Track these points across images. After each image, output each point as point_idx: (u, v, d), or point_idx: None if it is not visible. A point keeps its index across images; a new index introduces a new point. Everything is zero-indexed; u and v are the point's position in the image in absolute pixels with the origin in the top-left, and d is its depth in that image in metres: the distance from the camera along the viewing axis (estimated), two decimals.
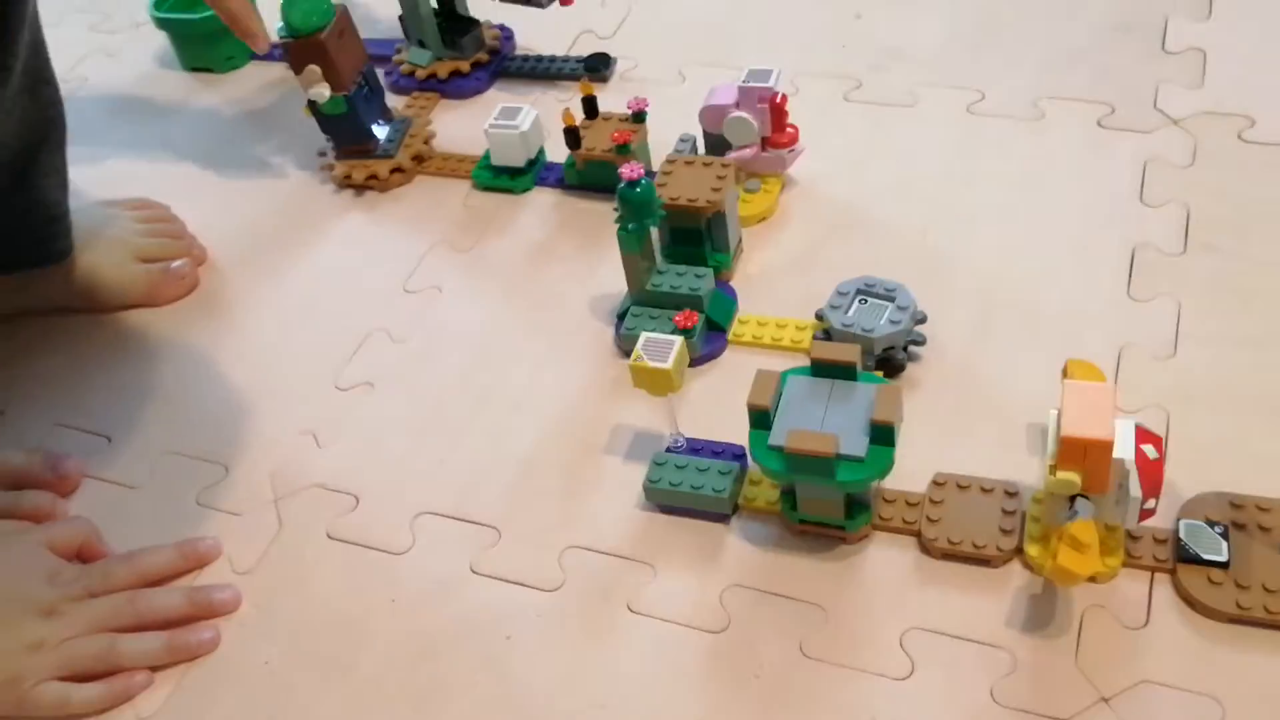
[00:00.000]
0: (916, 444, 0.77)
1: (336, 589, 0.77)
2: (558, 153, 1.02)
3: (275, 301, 0.98)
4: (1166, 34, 1.05)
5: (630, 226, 0.83)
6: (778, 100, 0.92)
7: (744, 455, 0.77)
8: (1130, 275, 0.86)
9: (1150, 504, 0.66)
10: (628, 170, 0.80)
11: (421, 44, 1.13)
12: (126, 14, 1.33)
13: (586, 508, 0.79)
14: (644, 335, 0.75)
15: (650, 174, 0.90)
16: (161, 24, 1.19)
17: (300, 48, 0.97)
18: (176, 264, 1.00)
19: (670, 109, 1.02)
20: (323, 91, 0.98)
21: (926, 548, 0.72)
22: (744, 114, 0.92)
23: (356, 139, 1.04)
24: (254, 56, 1.23)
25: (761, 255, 0.93)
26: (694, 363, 0.85)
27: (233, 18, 0.94)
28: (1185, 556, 0.69)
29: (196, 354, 0.95)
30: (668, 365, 0.73)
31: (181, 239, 1.02)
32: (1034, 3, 1.12)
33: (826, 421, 0.70)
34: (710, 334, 0.86)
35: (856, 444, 0.69)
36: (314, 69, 0.98)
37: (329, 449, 0.86)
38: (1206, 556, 0.68)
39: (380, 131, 1.05)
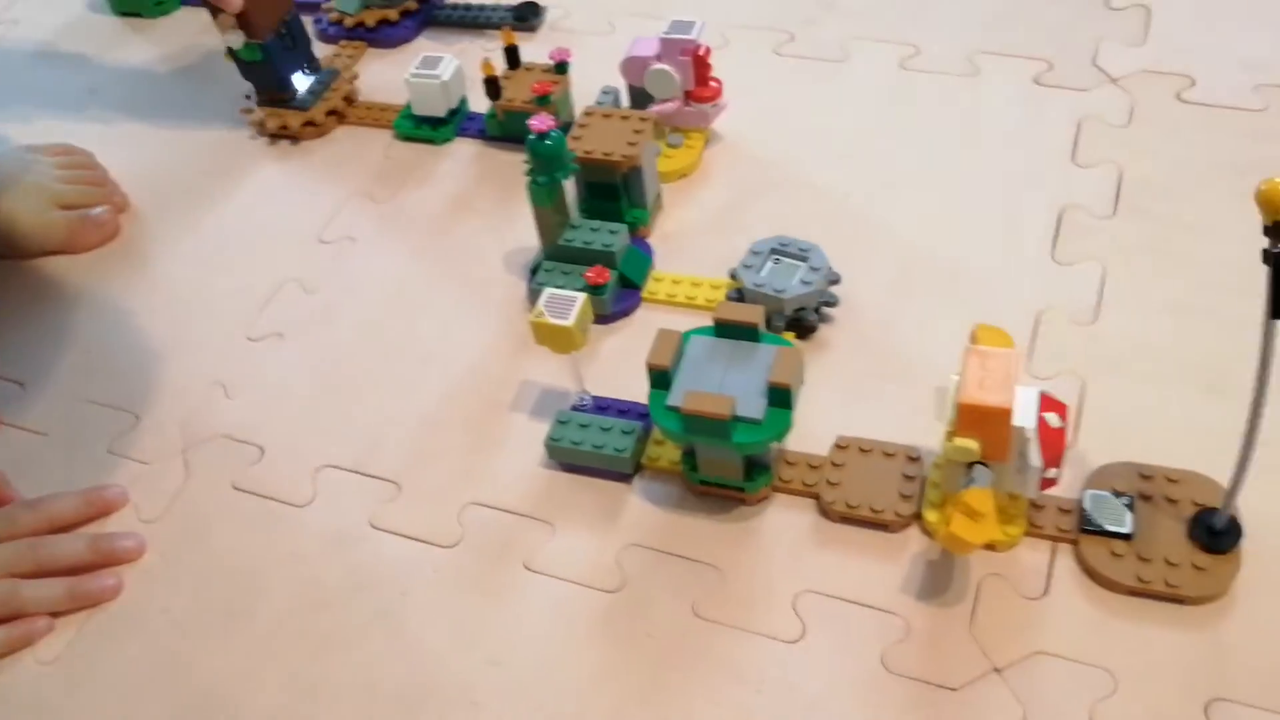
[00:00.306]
0: (823, 406, 0.76)
1: (239, 540, 0.76)
2: (482, 103, 0.99)
3: (193, 250, 0.96)
4: None
5: (540, 179, 0.81)
6: (700, 53, 0.90)
7: (648, 416, 0.76)
8: (1056, 238, 0.84)
9: (1051, 473, 0.64)
10: (537, 122, 0.78)
11: None
12: None
13: (489, 465, 0.77)
14: (547, 291, 0.73)
15: (569, 126, 0.88)
16: None
17: None
18: (96, 211, 0.98)
19: (598, 60, 0.99)
20: (236, 38, 0.96)
21: (825, 511, 0.71)
22: (665, 66, 0.90)
23: (275, 87, 1.02)
24: (187, 1, 1.20)
25: (681, 212, 0.91)
26: (606, 320, 0.84)
27: None
28: (1088, 527, 0.67)
29: (113, 302, 0.93)
30: (569, 322, 0.71)
31: (103, 186, 1.00)
32: None
33: (726, 383, 0.69)
34: (623, 291, 0.85)
35: (754, 406, 0.67)
36: (228, 15, 0.95)
37: (237, 399, 0.84)
38: (1109, 528, 0.67)
39: (303, 81, 1.03)
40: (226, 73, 1.08)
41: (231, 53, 0.99)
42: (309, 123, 1.02)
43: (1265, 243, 0.54)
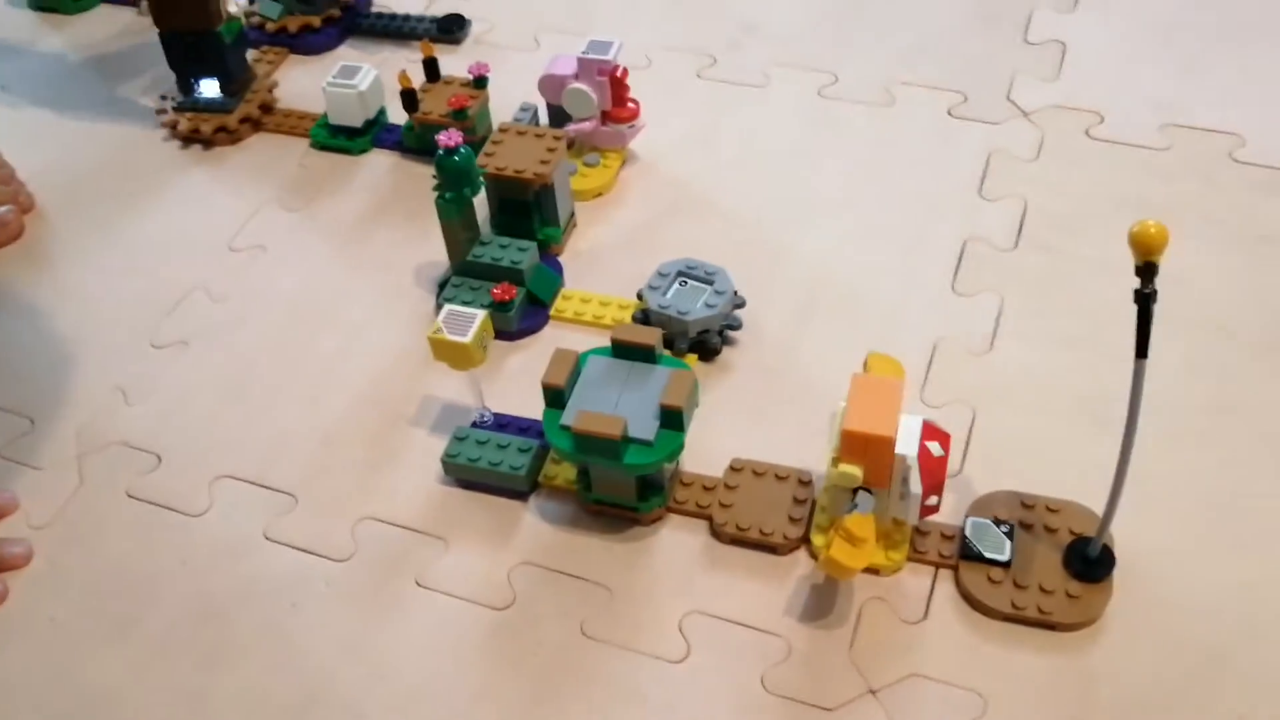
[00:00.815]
0: (721, 428, 0.77)
1: (130, 548, 0.76)
2: (401, 115, 0.99)
3: (99, 254, 0.95)
4: (1030, 25, 1.05)
5: (448, 195, 0.81)
6: (618, 73, 0.91)
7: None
8: (958, 269, 0.85)
9: (933, 500, 0.66)
10: (444, 137, 0.79)
11: None
12: None
13: (386, 480, 0.77)
14: (447, 307, 0.73)
15: (485, 139, 0.89)
16: None
17: None
18: (1, 210, 0.96)
19: (520, 76, 1.00)
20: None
21: (717, 532, 0.72)
22: (582, 86, 0.91)
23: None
24: None
25: (594, 231, 0.92)
26: (512, 337, 0.84)
27: None
28: (968, 554, 0.69)
29: (14, 304, 0.92)
30: (466, 339, 0.72)
31: (8, 185, 0.99)
32: None
33: (620, 404, 0.69)
34: (531, 309, 0.85)
35: (646, 427, 0.68)
36: None
37: (137, 407, 0.84)
38: (989, 555, 0.68)
39: (209, 88, 1.02)
40: (142, 73, 1.08)
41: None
42: (221, 128, 1.02)
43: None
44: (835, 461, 0.65)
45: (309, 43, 1.10)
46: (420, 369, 0.83)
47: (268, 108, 1.04)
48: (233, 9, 0.98)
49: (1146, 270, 0.55)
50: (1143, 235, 0.54)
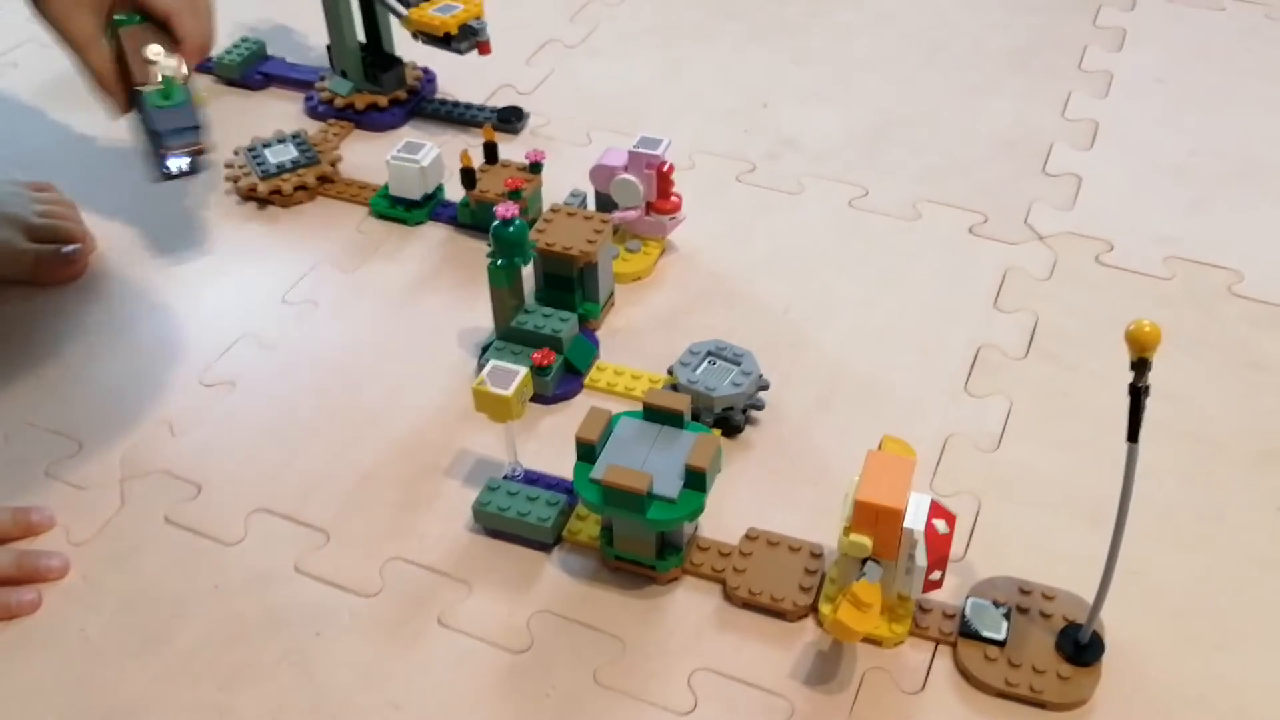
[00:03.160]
0: (739, 500, 0.81)
1: (164, 570, 0.79)
2: (457, 193, 1.06)
3: (156, 296, 1.00)
4: (1049, 158, 1.12)
5: (500, 262, 0.86)
6: (664, 169, 0.97)
7: (573, 491, 0.80)
8: (970, 372, 0.90)
9: (936, 575, 0.70)
10: (502, 209, 0.85)
11: (344, 75, 1.17)
12: None
13: (417, 523, 0.81)
14: (491, 363, 0.78)
15: (534, 220, 0.95)
16: None
17: None
18: (69, 248, 1.02)
19: (572, 167, 1.06)
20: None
21: (729, 595, 0.75)
22: (630, 177, 0.97)
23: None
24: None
25: (631, 311, 0.97)
26: (548, 401, 0.89)
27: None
28: (967, 632, 0.72)
29: (72, 335, 0.97)
30: (508, 392, 0.76)
31: (77, 225, 1.04)
32: (931, 113, 1.18)
33: (648, 462, 0.73)
34: (567, 376, 0.90)
35: (670, 486, 0.72)
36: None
37: (182, 439, 0.88)
38: (985, 634, 0.72)
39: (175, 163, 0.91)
40: (214, 134, 1.14)
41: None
42: (276, 190, 1.07)
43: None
44: (847, 531, 0.69)
45: (374, 120, 1.17)
46: (457, 423, 0.87)
47: (327, 179, 1.10)
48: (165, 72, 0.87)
49: (1140, 365, 0.60)
50: (1138, 333, 0.59)
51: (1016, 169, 1.11)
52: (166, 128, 0.87)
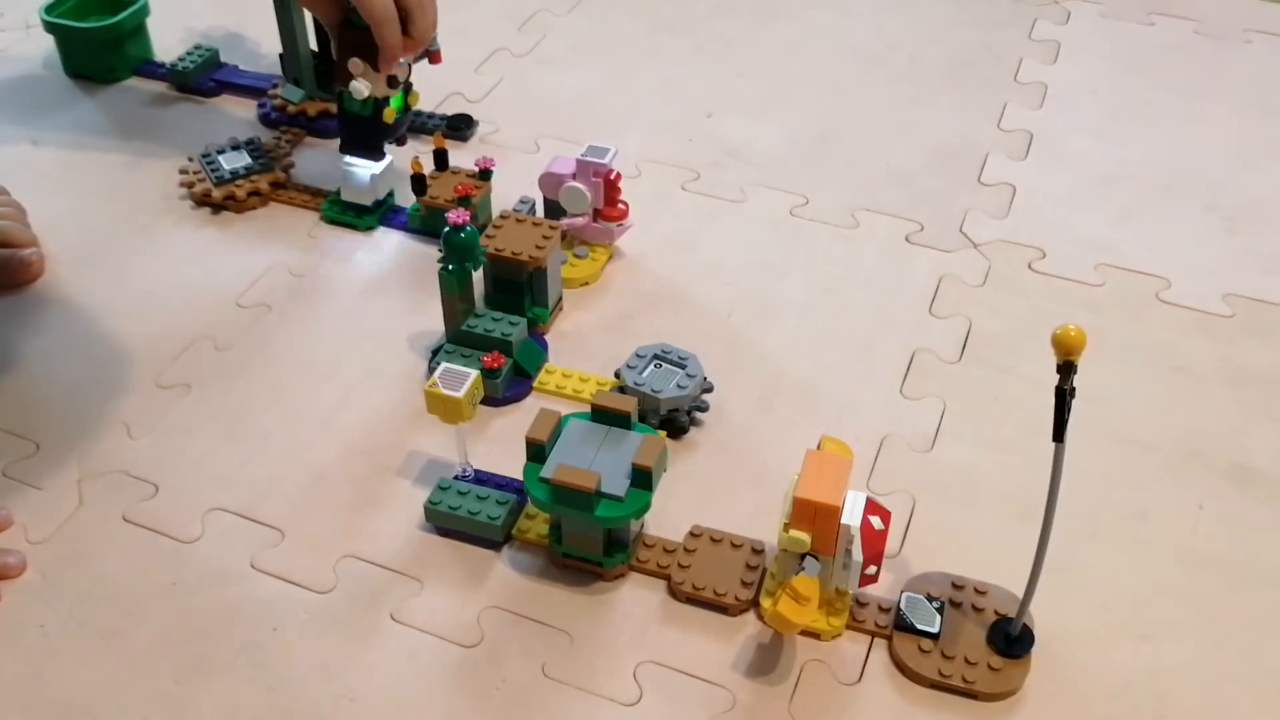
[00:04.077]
0: (683, 498, 0.84)
1: (122, 567, 0.80)
2: (408, 199, 1.08)
3: (112, 300, 1.01)
4: (984, 168, 1.15)
5: (451, 267, 0.89)
6: (611, 176, 0.99)
7: (523, 490, 0.82)
8: (906, 375, 0.93)
9: (871, 570, 0.73)
10: (454, 215, 0.87)
11: (297, 82, 1.19)
12: (20, 14, 1.37)
13: (369, 522, 0.83)
14: (443, 365, 0.80)
15: (484, 225, 0.97)
16: (50, 28, 1.23)
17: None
18: (25, 252, 1.02)
19: (521, 174, 1.08)
20: (363, 86, 0.98)
21: (674, 590, 0.78)
22: (579, 185, 0.99)
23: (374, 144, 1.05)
24: (139, 71, 1.27)
25: (579, 315, 0.99)
26: (497, 403, 0.91)
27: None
28: (902, 625, 0.75)
29: (28, 339, 0.97)
30: (460, 394, 0.78)
31: (28, 230, 1.05)
32: (871, 125, 1.22)
33: (596, 462, 0.76)
34: (517, 379, 0.92)
35: (618, 484, 0.74)
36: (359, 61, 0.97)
37: (139, 440, 0.89)
38: (920, 626, 0.75)
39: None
40: (165, 139, 1.16)
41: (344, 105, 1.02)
42: (230, 196, 1.09)
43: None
44: (786, 527, 0.72)
45: (325, 126, 1.18)
46: (409, 425, 0.89)
47: (280, 185, 1.11)
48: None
49: (1066, 368, 0.63)
50: (1064, 337, 0.62)
51: (952, 179, 1.14)
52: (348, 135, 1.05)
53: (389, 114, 1.02)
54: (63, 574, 0.80)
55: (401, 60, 0.99)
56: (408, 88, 1.03)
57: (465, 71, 1.28)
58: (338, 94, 1.01)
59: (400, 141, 1.07)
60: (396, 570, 0.80)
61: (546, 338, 0.97)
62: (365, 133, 1.04)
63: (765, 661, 0.75)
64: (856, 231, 1.08)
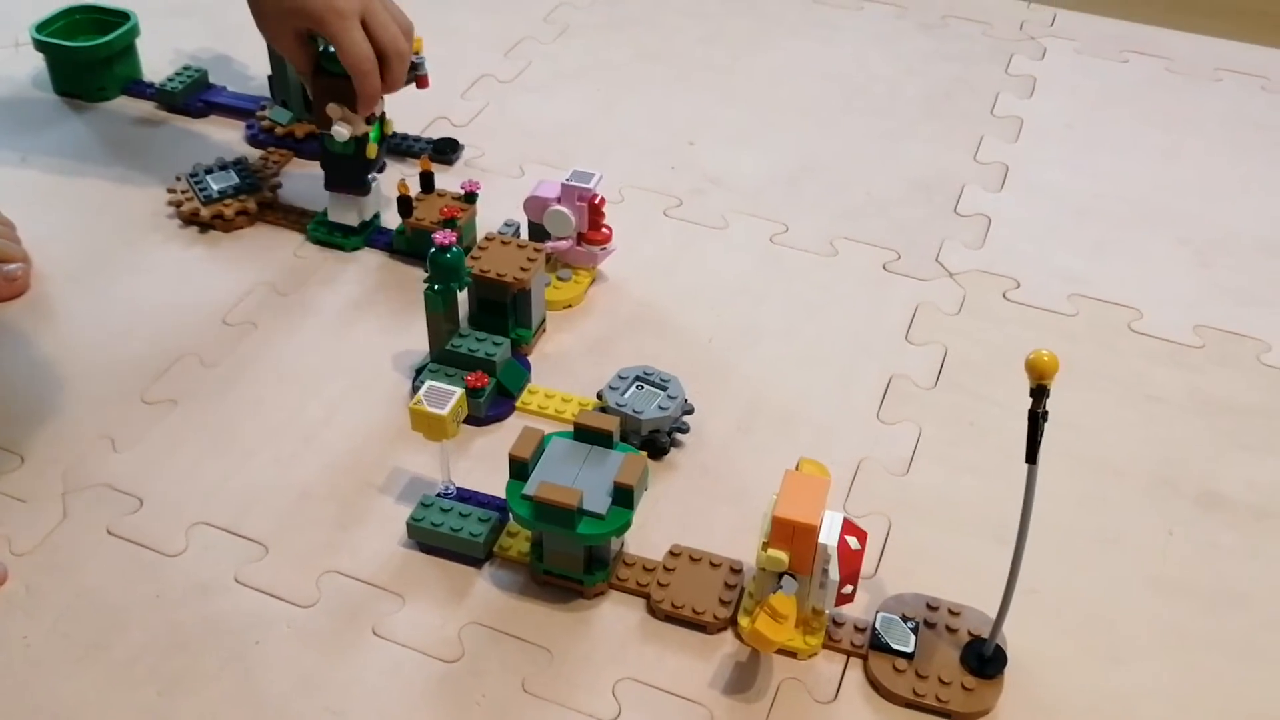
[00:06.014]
0: (664, 518, 0.85)
1: (106, 580, 0.81)
2: (394, 221, 1.09)
3: (98, 317, 1.02)
4: (961, 199, 1.18)
5: (436, 287, 0.90)
6: (595, 201, 1.01)
7: (505, 508, 0.83)
8: (883, 400, 0.95)
9: (848, 589, 0.74)
10: (440, 236, 0.88)
11: (285, 104, 1.20)
12: (10, 33, 1.38)
13: (352, 538, 0.84)
14: (428, 383, 0.81)
15: (470, 248, 0.98)
16: (40, 46, 1.24)
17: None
18: (11, 267, 1.03)
19: (505, 198, 1.10)
20: (344, 129, 1.00)
21: (653, 609, 0.79)
22: (563, 208, 1.01)
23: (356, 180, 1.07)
24: (127, 90, 1.28)
25: (562, 337, 1.01)
26: (480, 422, 0.92)
27: None
28: (877, 645, 0.76)
29: (14, 353, 0.98)
30: (444, 412, 0.79)
31: (17, 244, 1.05)
32: (850, 155, 1.24)
33: (578, 480, 0.77)
34: (499, 399, 0.93)
35: (599, 502, 0.76)
36: (337, 106, 1.00)
37: (124, 454, 0.90)
38: (895, 646, 0.76)
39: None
40: (153, 157, 1.17)
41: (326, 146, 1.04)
42: (218, 215, 1.10)
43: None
44: (765, 546, 0.73)
45: (312, 148, 1.19)
46: (392, 443, 0.90)
47: (267, 205, 1.12)
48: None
49: (1039, 392, 0.65)
50: (1037, 361, 0.64)
51: (929, 209, 1.17)
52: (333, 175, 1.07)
53: (371, 150, 1.04)
54: (46, 586, 0.81)
55: None
56: (381, 117, 1.04)
57: (451, 97, 1.30)
58: (319, 136, 1.03)
59: (380, 169, 1.08)
60: (379, 586, 0.81)
61: (530, 358, 0.98)
62: (350, 171, 1.05)
63: (742, 679, 0.76)
64: (835, 259, 1.10)
